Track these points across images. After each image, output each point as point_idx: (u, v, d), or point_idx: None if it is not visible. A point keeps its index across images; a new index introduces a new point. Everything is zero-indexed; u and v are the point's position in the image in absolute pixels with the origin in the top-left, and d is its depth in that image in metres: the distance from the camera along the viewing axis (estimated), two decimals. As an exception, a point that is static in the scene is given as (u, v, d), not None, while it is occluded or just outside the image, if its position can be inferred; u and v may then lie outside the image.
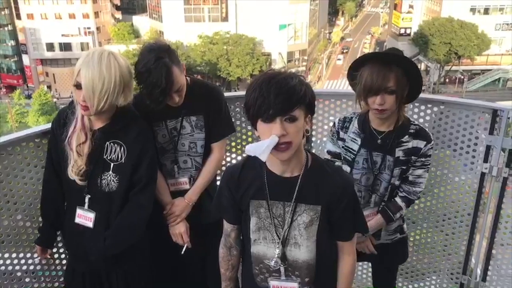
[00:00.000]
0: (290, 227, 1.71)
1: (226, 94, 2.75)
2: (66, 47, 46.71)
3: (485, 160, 2.72)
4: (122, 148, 2.13)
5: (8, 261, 2.42)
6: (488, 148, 2.70)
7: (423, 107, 2.78)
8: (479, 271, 3.02)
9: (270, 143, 1.53)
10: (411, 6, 48.10)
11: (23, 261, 2.47)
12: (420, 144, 2.21)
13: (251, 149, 1.55)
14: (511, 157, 2.67)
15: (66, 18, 46.70)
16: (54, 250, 2.50)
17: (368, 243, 2.35)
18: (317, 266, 1.75)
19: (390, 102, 2.10)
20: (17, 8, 46.38)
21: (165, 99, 2.18)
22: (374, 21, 66.19)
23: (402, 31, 48.21)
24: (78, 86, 1.98)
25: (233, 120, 2.75)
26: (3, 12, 46.76)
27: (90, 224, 2.17)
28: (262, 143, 1.54)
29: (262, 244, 1.76)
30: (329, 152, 2.39)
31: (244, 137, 3.02)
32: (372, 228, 2.31)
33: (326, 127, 3.02)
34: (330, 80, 46.80)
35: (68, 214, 2.23)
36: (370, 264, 2.98)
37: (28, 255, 2.46)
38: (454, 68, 43.62)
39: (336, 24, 65.74)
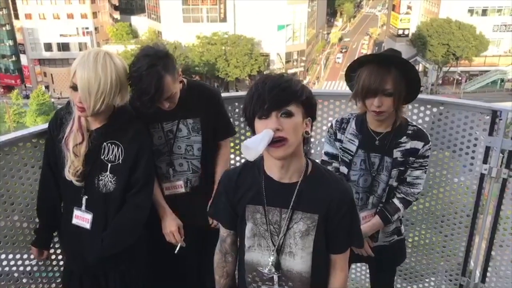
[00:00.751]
0: (286, 235, 1.67)
1: (225, 94, 2.74)
2: (64, 47, 46.66)
3: (485, 161, 2.71)
4: (120, 149, 2.11)
5: (4, 262, 2.40)
6: (487, 149, 2.69)
7: (422, 108, 2.77)
8: (478, 273, 3.01)
9: (264, 136, 1.49)
10: (409, 7, 48.15)
11: (20, 262, 2.44)
12: (418, 145, 2.19)
13: (247, 144, 1.51)
14: (510, 158, 2.66)
15: (64, 18, 46.67)
16: (51, 251, 2.48)
17: (366, 245, 2.33)
18: (312, 281, 1.70)
19: (387, 104, 2.08)
20: (15, 8, 46.33)
21: (153, 105, 2.15)
22: (372, 22, 66.29)
23: (400, 32, 48.25)
24: (74, 87, 1.96)
25: (231, 120, 2.74)
26: (1, 12, 46.66)
27: (87, 225, 2.15)
28: (256, 137, 1.51)
29: (257, 251, 1.72)
30: (326, 153, 2.38)
31: (242, 138, 3.01)
32: (369, 230, 2.29)
33: (325, 127, 3.01)
34: (328, 81, 46.82)
35: (65, 215, 2.21)
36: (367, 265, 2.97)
37: (25, 256, 2.44)
38: (452, 69, 43.70)
39: (335, 25, 65.81)
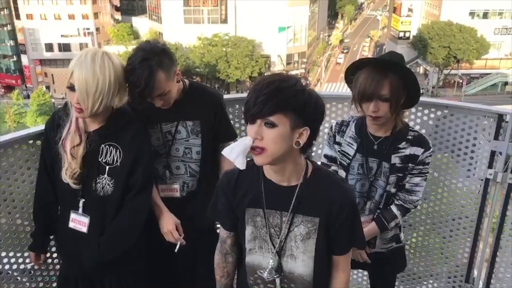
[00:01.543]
0: (287, 238, 1.65)
1: (226, 96, 2.70)
2: (65, 47, 46.69)
3: (490, 165, 2.66)
4: (118, 151, 2.07)
5: (5, 260, 2.37)
6: (492, 153, 2.64)
7: (426, 111, 2.73)
8: (482, 279, 2.97)
9: (241, 144, 1.46)
10: (410, 10, 48.17)
11: (20, 260, 2.40)
12: (418, 151, 2.14)
13: (226, 152, 1.48)
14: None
15: (66, 19, 46.72)
16: (48, 254, 2.43)
17: (362, 251, 2.28)
18: (314, 283, 1.68)
19: (384, 110, 2.04)
20: (16, 8, 46.39)
21: (144, 101, 2.10)
22: (373, 25, 66.33)
23: (401, 34, 48.26)
24: (71, 88, 1.92)
25: (232, 122, 2.72)
26: (2, 12, 46.74)
27: (84, 229, 2.11)
28: (235, 145, 1.48)
29: (258, 253, 1.70)
30: (325, 156, 2.34)
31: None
32: (366, 236, 2.23)
33: (326, 130, 2.96)
34: (329, 83, 46.81)
35: (62, 219, 2.17)
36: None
37: (26, 254, 2.39)
38: (453, 71, 43.70)
39: (335, 27, 65.84)
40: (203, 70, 41.45)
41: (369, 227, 2.23)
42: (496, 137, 2.61)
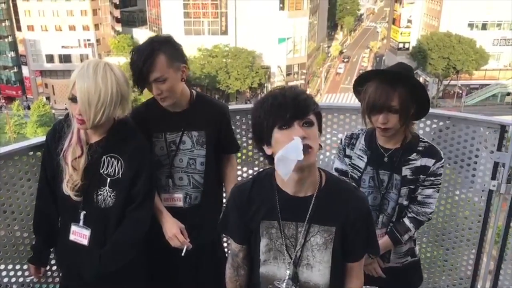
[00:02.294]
0: (303, 247, 1.65)
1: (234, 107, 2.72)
2: (65, 58, 46.87)
3: (493, 177, 2.64)
4: (119, 163, 2.05)
5: (4, 273, 2.34)
6: (495, 164, 2.63)
7: (428, 122, 2.72)
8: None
9: (293, 147, 1.45)
10: (409, 21, 48.47)
11: (20, 273, 2.38)
12: (429, 162, 2.12)
13: (282, 155, 1.46)
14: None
15: (66, 30, 47.00)
16: (48, 267, 2.40)
17: (376, 265, 2.25)
18: None
19: (393, 121, 2.02)
20: (17, 20, 46.66)
21: (143, 82, 2.10)
22: (372, 36, 66.66)
23: (401, 45, 48.53)
24: (73, 99, 1.91)
25: (239, 131, 2.77)
26: (3, 24, 47.00)
27: (85, 241, 2.08)
28: (287, 148, 1.46)
29: (272, 264, 1.69)
30: (336, 170, 2.32)
31: (250, 148, 2.94)
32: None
33: (328, 141, 2.96)
34: (328, 94, 46.92)
35: (62, 231, 2.14)
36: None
37: (25, 267, 2.36)
38: (452, 82, 43.83)
39: (335, 38, 66.16)
40: (203, 81, 41.54)
41: (382, 241, 2.19)
42: (499, 148, 2.60)
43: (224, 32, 45.44)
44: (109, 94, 1.89)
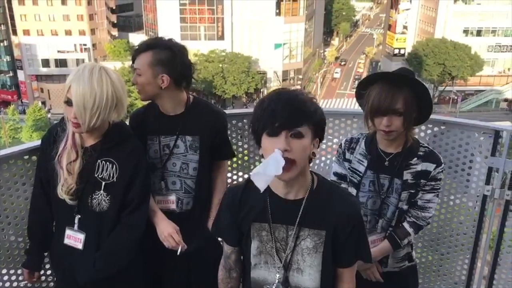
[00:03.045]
0: (293, 251, 1.64)
1: (229, 111, 2.71)
2: (61, 63, 46.76)
3: (487, 182, 2.66)
4: (114, 167, 2.05)
5: (-1, 277, 2.33)
6: (490, 169, 2.64)
7: (423, 127, 2.73)
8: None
9: (272, 161, 1.44)
10: (405, 27, 48.72)
11: (13, 278, 2.36)
12: (430, 167, 2.12)
13: (258, 171, 1.45)
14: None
15: (62, 35, 46.90)
16: (42, 271, 2.39)
17: (374, 270, 2.25)
18: None
19: (397, 124, 2.02)
20: (13, 24, 46.54)
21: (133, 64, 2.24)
22: (368, 41, 66.93)
23: (396, 51, 48.74)
24: (68, 102, 1.91)
25: (234, 135, 2.76)
26: (-1, 28, 46.91)
27: (79, 245, 2.08)
28: (265, 162, 1.46)
29: (263, 268, 1.69)
30: (335, 174, 2.32)
31: (245, 152, 2.95)
32: (378, 255, 2.21)
33: (324, 146, 2.96)
34: (324, 99, 47.02)
35: (57, 235, 2.14)
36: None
37: (19, 271, 2.35)
38: (447, 88, 44.02)
39: (331, 44, 66.39)
40: (199, 86, 41.54)
41: (381, 245, 2.20)
42: (493, 154, 2.61)
43: (221, 37, 45.52)
44: (105, 97, 1.89)
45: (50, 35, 46.74)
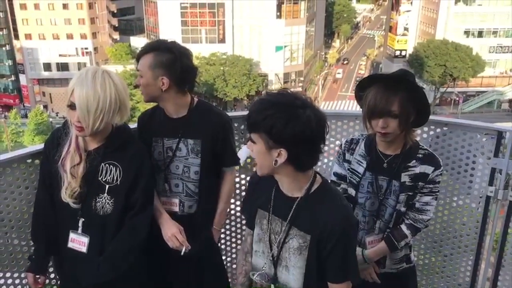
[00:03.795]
0: (282, 247, 1.68)
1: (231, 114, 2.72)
2: (63, 67, 46.91)
3: (490, 183, 2.65)
4: (118, 170, 2.05)
5: (1, 281, 2.33)
6: (493, 170, 2.63)
7: (425, 129, 2.73)
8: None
9: (242, 150, 1.68)
10: (406, 29, 48.70)
11: (17, 281, 2.36)
12: (428, 169, 2.12)
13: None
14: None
15: (64, 39, 47.06)
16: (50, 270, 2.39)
17: (371, 270, 2.25)
18: None
19: (393, 126, 2.03)
20: (15, 28, 46.67)
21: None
22: (369, 43, 66.92)
23: (397, 53, 48.72)
24: (72, 106, 1.91)
25: (237, 138, 2.73)
26: (1, 32, 47.01)
27: (83, 249, 2.08)
28: (242, 151, 1.70)
29: (261, 257, 1.76)
30: (335, 174, 2.33)
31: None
32: (374, 256, 2.22)
33: (326, 148, 2.96)
34: (326, 101, 47.02)
35: (61, 239, 2.13)
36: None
37: (23, 275, 2.34)
38: (449, 89, 43.97)
39: (332, 46, 66.40)
40: (200, 89, 41.57)
41: (378, 246, 2.21)
42: (496, 155, 2.61)
43: (222, 40, 45.56)
44: (108, 101, 1.89)
45: (51, 39, 46.90)
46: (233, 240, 3.08)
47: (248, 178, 2.95)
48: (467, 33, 44.60)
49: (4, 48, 47.33)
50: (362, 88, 2.13)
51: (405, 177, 2.14)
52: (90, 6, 47.71)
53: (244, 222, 2.95)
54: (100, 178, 2.04)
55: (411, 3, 48.28)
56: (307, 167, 1.62)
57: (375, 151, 2.19)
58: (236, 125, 2.82)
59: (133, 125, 2.42)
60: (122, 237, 2.07)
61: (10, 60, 47.49)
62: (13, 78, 47.31)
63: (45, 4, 45.62)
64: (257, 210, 1.75)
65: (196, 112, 2.31)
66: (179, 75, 2.21)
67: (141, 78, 2.23)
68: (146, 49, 2.24)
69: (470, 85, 43.86)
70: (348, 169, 2.26)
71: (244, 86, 42.07)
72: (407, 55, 46.20)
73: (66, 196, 2.02)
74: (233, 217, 3.02)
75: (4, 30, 46.99)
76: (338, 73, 54.08)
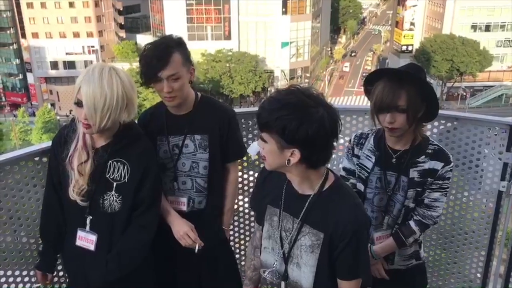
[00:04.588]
0: (294, 245, 1.67)
1: (239, 110, 2.69)
2: (70, 65, 47.10)
3: (502, 178, 2.61)
4: (125, 167, 2.04)
5: (10, 279, 2.32)
6: (505, 165, 2.59)
7: (436, 123, 2.69)
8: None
9: (252, 145, 1.69)
10: (412, 24, 48.42)
11: (26, 279, 2.36)
12: (437, 165, 2.09)
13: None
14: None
15: (71, 37, 47.25)
16: (55, 272, 2.38)
17: (379, 267, 2.23)
18: None
19: (400, 121, 1.99)
20: (22, 27, 46.91)
21: (152, 78, 2.10)
22: (375, 39, 66.60)
23: (404, 48, 48.47)
24: (79, 103, 1.90)
25: (244, 134, 2.73)
26: (8, 31, 47.29)
27: (91, 246, 2.07)
28: (254, 146, 1.71)
29: (271, 254, 1.74)
30: (344, 169, 2.31)
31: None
32: (382, 252, 2.20)
33: (334, 143, 2.92)
34: (332, 97, 46.89)
35: (69, 237, 2.13)
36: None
37: (32, 273, 2.35)
38: (456, 84, 43.71)
39: (338, 42, 66.16)
40: (207, 86, 41.61)
41: (386, 243, 2.18)
42: (508, 149, 2.57)
43: (227, 37, 45.56)
44: (115, 98, 1.88)
45: (58, 37, 47.11)
46: (242, 237, 3.06)
47: (256, 175, 2.94)
48: (474, 27, 44.27)
49: (11, 47, 47.64)
50: (370, 82, 2.10)
51: (413, 173, 2.11)
52: (96, 4, 47.82)
53: (252, 219, 2.93)
54: (107, 176, 2.03)
55: (418, -3, 47.98)
56: (320, 164, 1.60)
57: (384, 146, 2.16)
58: (243, 120, 2.80)
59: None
60: (130, 234, 2.07)
61: (17, 59, 47.80)
62: (20, 76, 47.61)
63: (52, 2, 45.80)
64: (267, 207, 1.73)
65: (201, 107, 2.29)
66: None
67: (175, 82, 2.10)
68: (165, 51, 2.08)
69: (478, 79, 43.57)
70: (357, 164, 2.24)
71: (250, 83, 42.07)
72: (414, 50, 45.95)
73: (73, 193, 2.01)
74: (241, 214, 3.00)
75: (11, 29, 47.26)
76: (346, 66, 53.94)
